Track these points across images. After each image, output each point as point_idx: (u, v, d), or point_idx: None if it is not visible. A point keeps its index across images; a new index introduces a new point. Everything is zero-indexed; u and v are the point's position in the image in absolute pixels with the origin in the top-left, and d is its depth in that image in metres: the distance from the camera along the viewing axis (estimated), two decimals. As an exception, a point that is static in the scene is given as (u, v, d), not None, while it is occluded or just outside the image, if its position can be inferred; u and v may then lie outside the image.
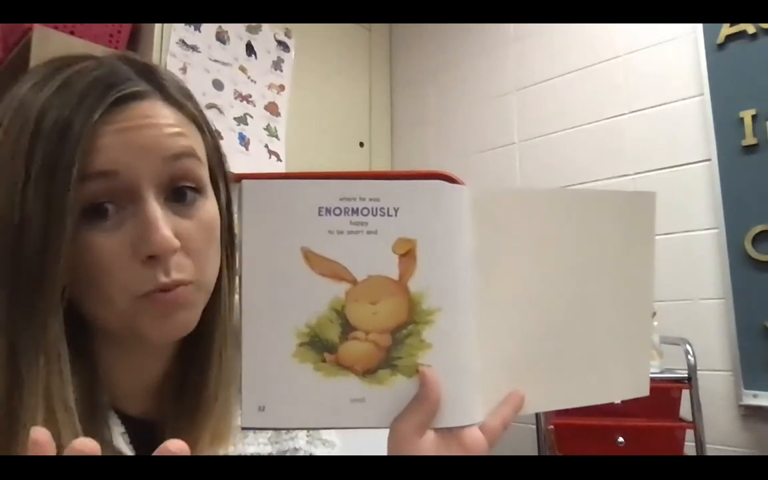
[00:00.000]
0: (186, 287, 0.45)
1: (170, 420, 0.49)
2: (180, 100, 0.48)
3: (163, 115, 0.46)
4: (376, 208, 0.42)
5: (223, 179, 0.52)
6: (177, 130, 0.46)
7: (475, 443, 0.45)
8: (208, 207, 0.48)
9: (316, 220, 0.42)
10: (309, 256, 0.42)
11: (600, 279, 0.49)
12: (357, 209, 0.42)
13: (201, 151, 0.49)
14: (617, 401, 0.50)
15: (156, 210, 0.43)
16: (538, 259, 0.47)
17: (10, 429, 0.39)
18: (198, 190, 0.47)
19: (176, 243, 0.43)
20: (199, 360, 0.50)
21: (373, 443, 0.45)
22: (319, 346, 0.42)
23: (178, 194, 0.46)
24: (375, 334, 0.43)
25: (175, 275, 0.44)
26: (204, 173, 0.48)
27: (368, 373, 0.43)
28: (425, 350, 0.43)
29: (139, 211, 0.43)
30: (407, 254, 0.43)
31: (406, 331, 0.43)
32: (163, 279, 0.43)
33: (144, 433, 0.49)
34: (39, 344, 0.40)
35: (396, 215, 0.43)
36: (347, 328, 0.42)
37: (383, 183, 0.43)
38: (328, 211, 0.42)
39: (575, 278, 0.48)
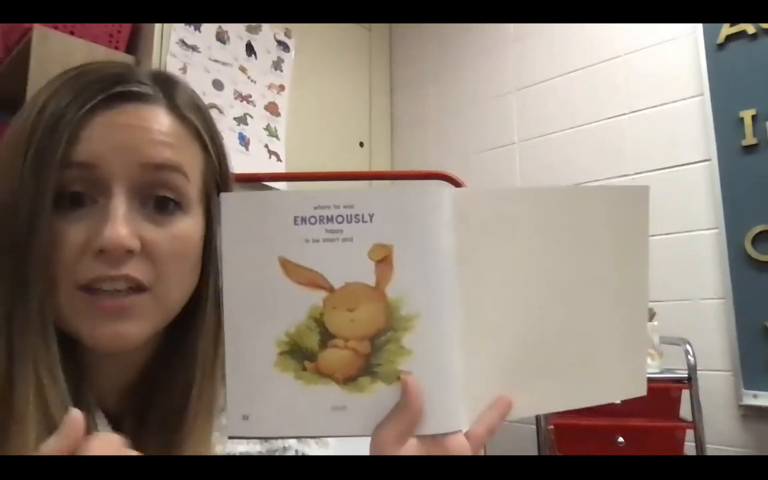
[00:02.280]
0: (138, 297, 0.44)
1: (153, 428, 0.48)
2: (185, 113, 0.48)
3: (159, 123, 0.46)
4: (351, 215, 0.42)
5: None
6: (167, 140, 0.46)
7: (460, 450, 0.44)
8: (187, 223, 0.47)
9: (292, 229, 0.42)
10: (286, 265, 0.42)
11: (593, 277, 0.48)
12: (332, 217, 0.42)
13: (193, 167, 0.48)
14: (613, 402, 0.49)
15: (118, 207, 0.43)
16: (526, 258, 0.46)
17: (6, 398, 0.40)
18: (179, 204, 0.47)
19: (131, 243, 0.43)
20: (181, 373, 0.49)
21: (365, 441, 0.45)
22: (299, 355, 0.42)
23: (159, 203, 0.46)
24: (354, 342, 0.43)
25: (125, 271, 0.43)
26: (189, 190, 0.47)
27: (349, 380, 0.43)
28: (405, 357, 0.43)
29: (105, 205, 0.43)
30: (384, 260, 0.42)
31: (385, 338, 0.43)
32: (111, 271, 0.43)
33: (129, 432, 0.48)
34: (30, 319, 0.41)
35: (371, 221, 0.42)
36: (326, 336, 0.42)
37: (357, 190, 0.43)
38: (303, 220, 0.42)
39: (566, 277, 0.47)
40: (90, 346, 0.45)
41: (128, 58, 1.79)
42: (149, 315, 0.46)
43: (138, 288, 0.44)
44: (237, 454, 0.54)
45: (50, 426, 0.40)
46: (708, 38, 1.72)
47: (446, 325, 0.44)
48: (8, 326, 0.41)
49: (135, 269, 0.44)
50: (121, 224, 0.42)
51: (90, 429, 0.44)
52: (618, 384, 0.49)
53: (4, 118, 1.93)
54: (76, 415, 0.32)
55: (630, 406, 1.44)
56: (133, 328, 0.45)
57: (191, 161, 0.48)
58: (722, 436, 1.60)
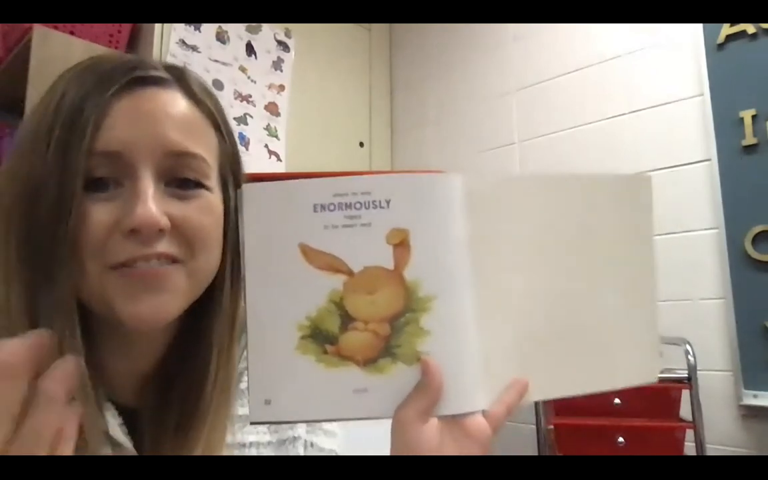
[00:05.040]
0: (170, 267, 0.45)
1: (171, 416, 0.49)
2: (200, 97, 0.49)
3: (178, 107, 0.47)
4: (369, 202, 0.44)
5: (234, 184, 0.51)
6: (187, 126, 0.47)
7: (479, 430, 0.45)
8: (211, 198, 0.48)
9: (312, 216, 0.43)
10: (306, 251, 0.43)
11: (601, 262, 0.49)
12: (350, 203, 0.44)
13: (211, 151, 0.49)
14: (624, 387, 0.50)
15: (147, 187, 0.43)
16: (537, 244, 0.47)
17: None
18: (202, 184, 0.47)
19: (162, 221, 0.43)
20: (198, 361, 0.49)
21: (373, 431, 0.45)
22: (321, 338, 0.43)
23: (182, 182, 0.46)
24: (374, 324, 0.44)
25: (159, 248, 0.44)
26: (211, 173, 0.48)
27: (369, 362, 0.44)
28: (424, 337, 0.44)
29: (132, 187, 0.44)
30: (401, 244, 0.44)
31: (404, 320, 0.44)
32: (144, 250, 0.43)
33: (140, 424, 0.49)
34: (55, 307, 0.41)
35: (388, 207, 0.44)
36: (347, 319, 0.43)
37: (374, 177, 0.44)
38: (322, 207, 0.43)
39: (576, 262, 0.48)
40: (126, 322, 0.44)
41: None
42: (183, 288, 0.46)
43: (172, 261, 0.45)
44: (247, 444, 0.54)
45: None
46: (708, 38, 1.72)
47: (462, 306, 0.45)
48: (33, 314, 0.41)
49: (167, 246, 0.44)
50: (152, 203, 0.43)
51: (101, 425, 0.44)
52: (629, 370, 0.50)
53: (4, 117, 1.93)
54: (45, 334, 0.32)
55: (630, 406, 1.45)
56: (170, 301, 0.45)
57: (209, 145, 0.49)
58: (722, 436, 1.60)
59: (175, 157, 0.45)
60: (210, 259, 0.48)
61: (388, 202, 0.44)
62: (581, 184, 0.49)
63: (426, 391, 0.43)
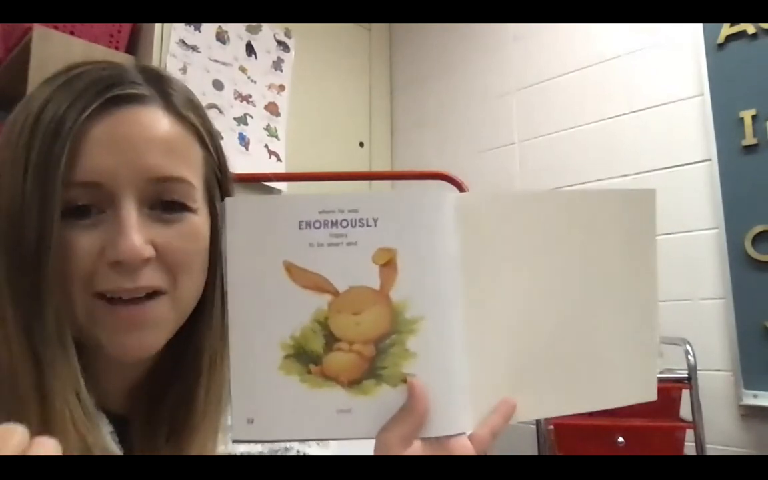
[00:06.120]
0: (156, 301, 0.44)
1: (162, 426, 0.48)
2: (183, 112, 0.47)
3: (159, 127, 0.45)
4: (356, 220, 0.43)
5: (221, 197, 0.50)
6: (169, 147, 0.45)
7: (463, 453, 0.44)
8: (196, 221, 0.47)
9: (297, 233, 0.42)
10: (291, 269, 0.42)
11: (599, 281, 0.47)
12: (336, 221, 0.43)
13: (195, 170, 0.48)
14: (620, 405, 0.48)
15: (130, 217, 0.43)
16: (531, 264, 0.46)
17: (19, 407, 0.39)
18: (186, 207, 0.46)
19: (146, 252, 0.43)
20: (189, 374, 0.49)
21: (366, 442, 0.45)
22: (305, 358, 0.42)
23: (165, 205, 0.45)
24: (359, 345, 0.43)
25: (143, 282, 0.43)
26: (194, 193, 0.47)
27: (353, 383, 0.43)
28: (410, 359, 0.43)
29: (115, 216, 0.43)
30: (388, 264, 0.43)
31: (390, 341, 0.43)
32: (128, 284, 0.43)
33: (131, 433, 0.48)
34: (47, 333, 0.41)
35: (375, 226, 0.43)
36: (331, 340, 0.43)
37: (361, 194, 0.43)
38: (308, 224, 0.42)
39: (572, 282, 0.47)
40: (111, 355, 0.44)
41: (128, 58, 1.79)
42: (168, 319, 0.46)
43: (155, 292, 0.44)
44: (238, 454, 0.54)
45: (78, 442, 0.40)
46: (708, 38, 1.72)
47: (451, 328, 0.44)
48: (30, 340, 0.40)
49: (151, 277, 0.44)
50: (135, 235, 0.42)
51: (93, 435, 0.44)
52: (626, 388, 0.49)
53: (4, 117, 1.93)
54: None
55: (630, 407, 1.44)
56: (153, 336, 0.45)
57: (193, 163, 0.48)
58: (722, 436, 1.60)
59: (157, 183, 0.44)
60: (193, 286, 0.47)
61: (375, 221, 0.43)
62: (579, 201, 0.47)
63: (411, 414, 0.42)
